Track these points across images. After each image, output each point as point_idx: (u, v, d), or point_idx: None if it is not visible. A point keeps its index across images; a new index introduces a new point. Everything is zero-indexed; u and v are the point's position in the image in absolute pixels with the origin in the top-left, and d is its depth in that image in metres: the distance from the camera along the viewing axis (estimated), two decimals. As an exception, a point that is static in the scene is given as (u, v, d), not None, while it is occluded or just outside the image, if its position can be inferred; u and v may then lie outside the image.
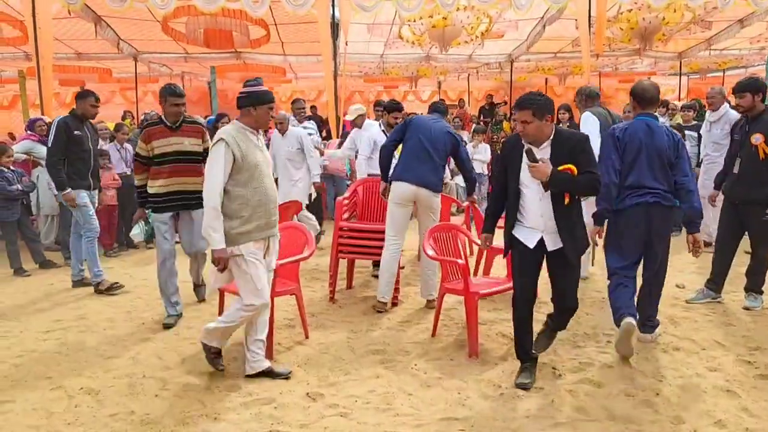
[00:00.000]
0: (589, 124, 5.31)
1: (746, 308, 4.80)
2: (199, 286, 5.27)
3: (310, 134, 8.04)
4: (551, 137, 3.39)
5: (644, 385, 3.50)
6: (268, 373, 3.68)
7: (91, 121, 5.90)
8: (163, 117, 4.75)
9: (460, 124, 11.30)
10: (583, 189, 3.41)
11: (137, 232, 4.99)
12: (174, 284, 4.79)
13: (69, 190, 5.53)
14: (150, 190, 4.70)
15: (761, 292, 4.86)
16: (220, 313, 4.36)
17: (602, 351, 4.02)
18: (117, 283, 5.72)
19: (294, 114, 8.08)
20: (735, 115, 6.06)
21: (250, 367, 3.68)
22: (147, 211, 5.00)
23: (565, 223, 3.38)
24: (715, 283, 5.00)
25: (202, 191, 4.53)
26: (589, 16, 8.31)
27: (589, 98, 5.65)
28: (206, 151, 4.68)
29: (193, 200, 4.69)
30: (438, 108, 5.32)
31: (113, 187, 7.35)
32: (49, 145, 5.60)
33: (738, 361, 3.84)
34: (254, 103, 3.58)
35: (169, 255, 4.74)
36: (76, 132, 5.59)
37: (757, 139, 4.61)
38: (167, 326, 4.62)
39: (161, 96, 4.71)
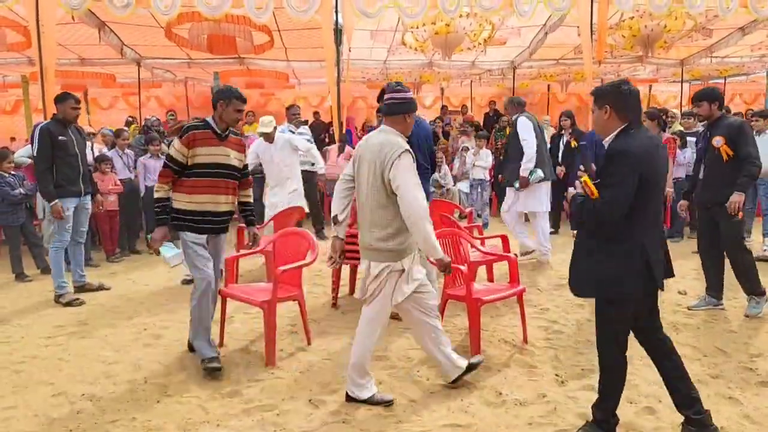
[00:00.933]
0: (526, 126, 6.38)
1: (747, 316, 4.80)
2: (206, 358, 3.87)
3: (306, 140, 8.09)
4: (611, 138, 2.87)
5: (646, 392, 3.50)
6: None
7: (76, 125, 5.71)
8: (211, 121, 3.98)
9: (469, 129, 11.30)
10: (582, 217, 2.87)
11: (173, 254, 4.01)
12: (211, 316, 4.08)
13: (56, 201, 5.34)
14: (180, 206, 3.93)
15: (762, 294, 4.84)
16: (222, 320, 4.38)
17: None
18: (78, 298, 5.52)
19: (288, 120, 8.13)
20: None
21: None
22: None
23: (577, 244, 2.99)
24: (714, 290, 5.01)
25: (232, 212, 4.19)
26: (591, 24, 8.34)
27: (519, 105, 6.74)
28: (245, 168, 4.24)
29: (223, 222, 4.09)
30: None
31: (115, 192, 7.37)
32: (34, 153, 5.43)
33: (739, 368, 3.84)
34: (409, 110, 3.37)
35: (211, 282, 3.98)
36: (60, 137, 5.41)
37: (717, 141, 4.74)
38: (215, 369, 3.79)
39: (221, 97, 3.92)
